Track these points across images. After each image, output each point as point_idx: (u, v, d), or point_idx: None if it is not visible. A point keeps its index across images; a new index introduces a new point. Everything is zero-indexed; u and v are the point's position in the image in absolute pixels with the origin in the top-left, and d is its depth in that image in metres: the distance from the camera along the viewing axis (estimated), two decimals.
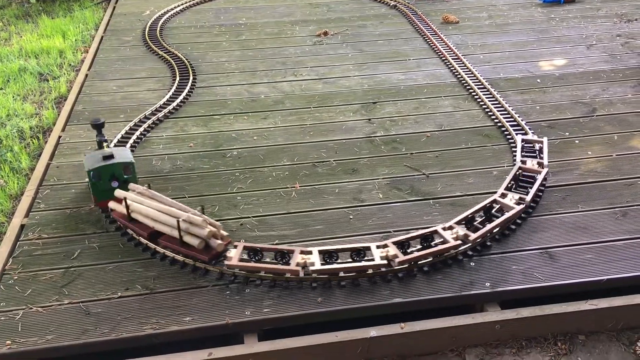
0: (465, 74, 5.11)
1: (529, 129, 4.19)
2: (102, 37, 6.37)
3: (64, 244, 3.29)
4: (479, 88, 4.84)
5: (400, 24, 6.49)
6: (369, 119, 4.53)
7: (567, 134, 4.22)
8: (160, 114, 4.60)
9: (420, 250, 3.06)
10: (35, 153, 4.44)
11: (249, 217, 3.48)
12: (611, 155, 3.96)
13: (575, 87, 4.92)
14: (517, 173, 3.60)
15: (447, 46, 5.71)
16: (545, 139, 3.93)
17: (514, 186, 3.54)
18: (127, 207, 3.22)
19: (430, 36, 5.99)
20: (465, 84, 4.99)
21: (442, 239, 3.10)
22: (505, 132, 4.22)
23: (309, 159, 4.04)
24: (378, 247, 3.01)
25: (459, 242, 3.08)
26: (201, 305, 2.86)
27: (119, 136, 4.27)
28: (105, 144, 3.55)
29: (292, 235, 3.33)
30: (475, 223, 3.23)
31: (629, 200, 3.52)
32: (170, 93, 4.94)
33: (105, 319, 2.80)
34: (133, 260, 3.16)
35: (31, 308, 2.86)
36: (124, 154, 3.55)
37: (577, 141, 4.14)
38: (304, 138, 4.30)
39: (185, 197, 3.67)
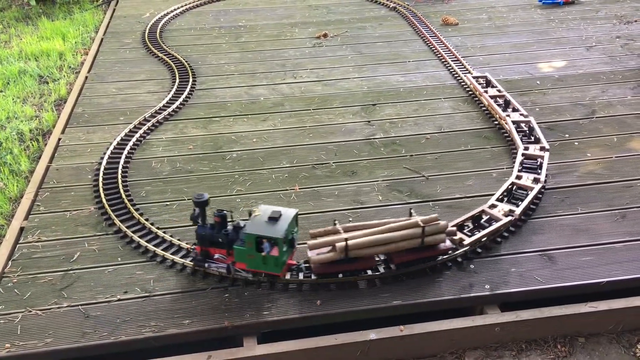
0: (465, 76, 5.10)
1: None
2: (102, 39, 6.37)
3: (63, 247, 3.29)
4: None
5: (399, 25, 6.49)
6: (369, 121, 4.53)
7: (567, 135, 4.22)
8: (159, 116, 4.60)
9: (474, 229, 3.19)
10: (34, 155, 4.44)
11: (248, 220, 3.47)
12: (610, 157, 3.96)
13: (574, 88, 4.92)
14: (510, 187, 3.53)
15: (447, 48, 5.71)
16: (546, 155, 3.76)
17: (506, 199, 3.48)
18: (347, 248, 2.84)
19: (430, 38, 5.99)
20: (464, 86, 4.99)
21: (489, 217, 3.24)
22: (508, 139, 4.20)
23: (308, 161, 4.04)
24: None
25: (509, 218, 3.18)
26: (200, 308, 2.86)
27: (118, 138, 4.27)
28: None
29: None
30: (464, 231, 3.23)
31: (628, 202, 3.51)
32: (169, 95, 4.94)
33: (105, 322, 2.80)
34: (132, 263, 3.16)
35: (30, 311, 2.86)
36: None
37: (576, 143, 4.14)
38: (303, 140, 4.30)
39: (185, 199, 3.66)
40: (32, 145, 4.58)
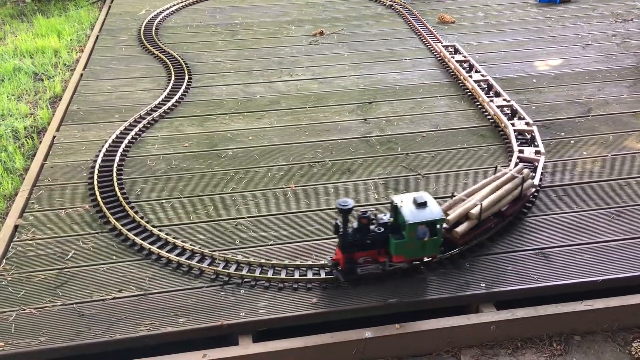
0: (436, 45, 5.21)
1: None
2: (97, 36, 6.34)
3: (57, 245, 3.27)
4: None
5: (396, 23, 6.48)
6: (365, 119, 4.52)
7: (563, 134, 4.22)
8: (155, 114, 4.58)
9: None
10: (29, 153, 4.42)
11: (244, 218, 3.47)
12: (606, 156, 3.96)
13: (570, 87, 4.92)
14: (517, 162, 3.75)
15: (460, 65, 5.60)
16: (535, 127, 4.06)
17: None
18: (481, 211, 3.05)
19: (426, 36, 5.98)
20: (460, 84, 4.98)
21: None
22: (505, 138, 4.22)
23: (304, 159, 4.03)
24: None
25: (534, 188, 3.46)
26: (196, 307, 2.85)
27: (113, 136, 4.25)
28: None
29: (287, 236, 3.31)
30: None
31: (624, 201, 3.52)
32: (165, 93, 4.92)
33: (99, 320, 2.78)
34: (127, 261, 3.15)
35: (24, 309, 2.85)
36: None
37: (572, 141, 4.14)
38: (299, 138, 4.29)
39: (180, 198, 3.65)
40: (27, 142, 4.56)
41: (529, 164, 3.73)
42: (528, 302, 2.88)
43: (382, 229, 2.82)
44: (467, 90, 4.80)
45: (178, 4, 7.19)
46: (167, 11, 6.96)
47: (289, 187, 3.74)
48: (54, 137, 4.39)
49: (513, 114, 4.28)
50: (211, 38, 6.21)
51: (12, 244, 3.30)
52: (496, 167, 3.44)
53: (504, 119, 4.21)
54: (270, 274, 3.00)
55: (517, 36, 6.03)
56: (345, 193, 3.66)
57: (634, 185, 3.66)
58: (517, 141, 3.98)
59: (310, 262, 3.07)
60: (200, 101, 4.87)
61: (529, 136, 4.04)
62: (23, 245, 3.28)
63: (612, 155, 3.97)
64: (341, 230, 2.79)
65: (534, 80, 5.05)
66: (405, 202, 2.79)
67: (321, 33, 6.23)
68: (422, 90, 4.95)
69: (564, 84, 4.97)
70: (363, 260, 2.86)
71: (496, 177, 3.34)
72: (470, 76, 4.86)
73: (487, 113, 4.47)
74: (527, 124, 4.15)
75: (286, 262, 3.08)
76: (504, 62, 5.44)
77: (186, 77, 5.20)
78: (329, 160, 4.01)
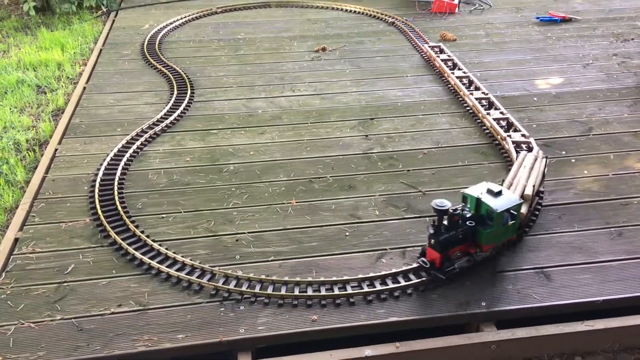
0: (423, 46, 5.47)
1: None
2: (100, 50, 6.38)
3: (57, 259, 3.27)
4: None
5: (398, 40, 6.52)
6: (366, 135, 4.53)
7: (564, 152, 4.23)
8: (157, 128, 4.60)
9: None
10: (31, 166, 4.42)
11: (244, 233, 3.47)
12: (607, 175, 3.97)
13: (571, 105, 4.94)
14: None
15: (445, 63, 5.73)
16: (509, 115, 4.52)
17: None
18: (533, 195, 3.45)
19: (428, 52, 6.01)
20: (462, 101, 5.00)
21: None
22: (505, 155, 4.23)
23: (305, 175, 4.04)
24: None
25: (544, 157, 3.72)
26: (195, 322, 2.84)
27: (115, 150, 4.26)
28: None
29: (287, 252, 3.31)
30: None
31: (625, 221, 3.52)
32: (167, 107, 4.94)
33: (98, 335, 2.77)
34: (127, 276, 3.14)
35: (23, 323, 2.84)
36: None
37: (573, 160, 4.15)
38: (301, 154, 4.30)
39: (181, 212, 3.65)
40: (29, 155, 4.57)
41: (525, 145, 4.10)
42: (529, 322, 2.87)
43: (473, 223, 3.00)
44: (467, 107, 4.84)
45: (182, 19, 7.24)
46: (171, 26, 7.00)
47: (290, 203, 3.74)
48: (56, 150, 4.40)
49: (490, 105, 4.74)
50: (214, 53, 6.24)
51: (12, 257, 3.29)
52: (519, 153, 3.86)
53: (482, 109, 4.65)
54: (270, 290, 3.00)
55: (518, 54, 6.06)
56: (346, 209, 3.66)
57: (635, 204, 3.66)
58: (501, 128, 4.39)
59: (310, 279, 3.07)
60: (202, 116, 4.89)
61: (504, 123, 4.49)
62: (23, 258, 3.28)
63: (612, 174, 3.98)
64: (437, 230, 2.92)
65: (535, 99, 5.07)
66: (483, 193, 3.03)
67: (323, 49, 6.26)
68: (424, 107, 4.96)
69: (565, 103, 4.99)
70: (455, 255, 3.03)
71: (523, 161, 3.71)
72: (453, 72, 5.31)
73: (480, 122, 4.57)
74: (501, 113, 4.60)
75: (286, 278, 3.08)
76: (505, 80, 5.46)
77: (188, 92, 5.23)
78: (330, 176, 4.02)
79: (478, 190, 3.04)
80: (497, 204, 2.95)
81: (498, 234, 3.05)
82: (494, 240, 3.07)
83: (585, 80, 5.42)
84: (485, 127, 4.55)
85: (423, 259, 3.04)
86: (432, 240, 2.94)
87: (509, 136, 4.21)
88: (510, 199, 3.01)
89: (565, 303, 2.94)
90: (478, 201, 3.00)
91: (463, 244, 3.02)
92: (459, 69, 5.43)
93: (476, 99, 4.82)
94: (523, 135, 4.22)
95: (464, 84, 5.11)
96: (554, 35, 6.58)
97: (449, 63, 5.58)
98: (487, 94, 4.87)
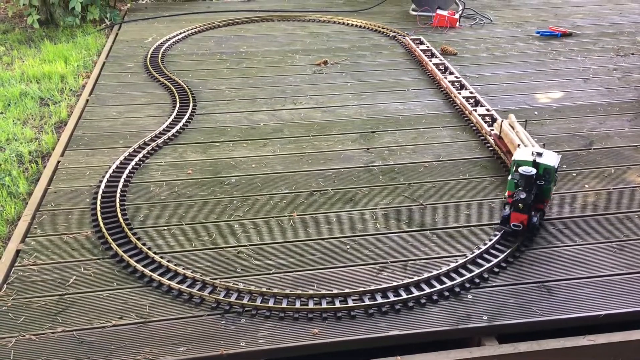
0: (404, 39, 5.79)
1: None
2: (103, 63, 6.42)
3: (58, 271, 3.27)
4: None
5: (399, 54, 6.56)
6: (368, 149, 4.55)
7: (565, 166, 4.24)
8: (159, 140, 4.61)
9: None
10: (33, 178, 4.44)
11: (245, 246, 3.47)
12: (608, 189, 3.97)
13: (572, 120, 4.96)
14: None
15: (424, 53, 6.24)
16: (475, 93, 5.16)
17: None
18: (500, 129, 4.26)
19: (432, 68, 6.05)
20: (462, 115, 5.03)
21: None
22: (504, 168, 4.24)
23: (307, 188, 4.05)
24: None
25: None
26: (196, 335, 2.84)
27: (117, 162, 4.28)
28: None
29: (288, 265, 3.31)
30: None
31: (626, 235, 3.52)
32: (170, 119, 4.97)
33: (99, 348, 2.77)
34: (128, 288, 3.14)
35: (24, 335, 2.84)
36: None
37: (574, 174, 4.16)
38: (302, 166, 4.32)
39: (182, 224, 3.66)
40: (31, 167, 4.58)
41: (490, 115, 4.77)
42: (530, 336, 2.86)
43: (542, 182, 3.37)
44: (470, 123, 4.85)
45: (184, 32, 7.29)
46: (174, 39, 7.05)
47: (291, 216, 3.75)
48: (58, 162, 4.41)
49: (477, 103, 5.14)
50: (216, 66, 6.28)
51: (13, 268, 3.29)
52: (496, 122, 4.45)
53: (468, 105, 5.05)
54: (271, 303, 2.99)
55: (518, 69, 6.10)
56: (347, 222, 3.67)
57: (636, 219, 3.67)
58: (470, 106, 4.97)
59: (311, 292, 3.06)
60: (204, 128, 4.91)
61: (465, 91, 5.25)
62: (24, 270, 3.28)
63: (613, 188, 3.98)
64: (528, 194, 3.31)
65: (536, 113, 5.09)
66: (534, 155, 3.43)
67: (325, 62, 6.30)
68: (425, 121, 4.98)
69: (566, 117, 5.01)
70: (533, 213, 3.43)
71: (509, 128, 4.21)
72: (430, 59, 6.06)
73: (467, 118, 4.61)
74: (470, 92, 5.28)
75: (287, 291, 3.07)
76: (506, 94, 5.49)
77: (191, 104, 5.25)
78: (332, 189, 4.03)
79: (526, 154, 3.45)
80: (551, 162, 3.39)
81: (552, 188, 3.48)
82: (550, 195, 3.51)
83: (586, 94, 5.45)
84: (456, 105, 5.17)
85: (514, 223, 3.39)
86: (521, 205, 3.32)
87: (475, 110, 4.88)
88: (555, 156, 3.46)
89: (567, 317, 2.94)
90: (534, 163, 3.37)
91: (535, 203, 3.43)
92: (436, 57, 6.12)
93: (449, 81, 5.45)
94: (487, 110, 4.87)
95: (440, 70, 5.75)
96: (554, 50, 6.61)
97: (427, 53, 6.26)
98: (458, 77, 5.51)
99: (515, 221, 3.39)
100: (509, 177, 3.48)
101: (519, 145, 3.84)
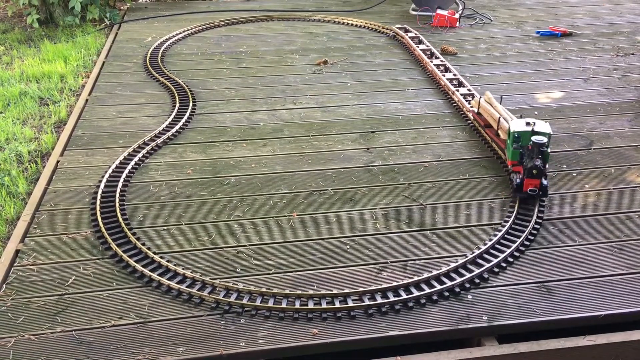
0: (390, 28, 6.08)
1: None
2: (103, 62, 6.41)
3: (58, 271, 3.27)
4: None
5: (399, 54, 6.56)
6: (367, 148, 4.54)
7: (565, 166, 4.24)
8: (159, 140, 4.61)
9: None
10: (33, 177, 4.43)
11: (245, 246, 3.47)
12: (608, 189, 3.97)
13: (572, 119, 4.96)
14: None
15: (412, 40, 6.57)
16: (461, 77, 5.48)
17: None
18: (479, 105, 4.58)
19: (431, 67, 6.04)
20: (462, 115, 5.02)
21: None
22: (505, 168, 4.24)
23: (307, 188, 4.04)
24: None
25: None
26: (195, 335, 2.84)
27: (117, 162, 4.27)
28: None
29: (288, 265, 3.31)
30: None
31: (626, 235, 3.51)
32: (169, 119, 4.96)
33: (98, 348, 2.76)
34: (128, 288, 3.14)
35: (23, 336, 2.83)
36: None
37: (574, 174, 4.16)
38: (302, 166, 4.31)
39: (182, 224, 3.65)
40: (31, 167, 4.58)
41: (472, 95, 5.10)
42: (531, 336, 2.86)
43: (546, 147, 3.60)
44: (469, 121, 4.85)
45: (184, 32, 7.28)
46: (174, 39, 7.05)
47: (291, 216, 3.74)
48: (58, 161, 4.41)
49: (459, 84, 5.52)
50: (216, 66, 6.28)
51: (12, 268, 3.29)
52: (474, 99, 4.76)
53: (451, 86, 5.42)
54: (271, 303, 2.99)
55: (518, 68, 6.09)
56: (347, 222, 3.67)
57: (636, 219, 3.66)
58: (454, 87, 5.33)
59: (311, 292, 3.06)
60: (204, 128, 4.91)
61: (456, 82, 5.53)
62: (24, 270, 3.28)
63: (614, 188, 3.98)
64: (542, 160, 3.57)
65: (536, 113, 5.09)
66: (530, 125, 3.69)
67: (325, 62, 6.29)
68: (425, 121, 4.98)
69: (566, 117, 5.01)
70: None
71: (487, 104, 4.50)
72: (418, 46, 6.44)
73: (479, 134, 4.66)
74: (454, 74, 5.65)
75: (287, 291, 3.07)
76: (506, 93, 5.47)
77: (190, 104, 5.25)
78: (332, 189, 4.02)
79: (522, 126, 3.71)
80: (547, 129, 3.67)
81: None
82: (549, 159, 3.74)
83: (586, 94, 5.44)
84: (441, 87, 5.55)
85: (531, 188, 3.60)
86: (535, 171, 3.54)
87: (457, 90, 5.24)
88: (546, 123, 3.74)
89: (567, 317, 2.94)
90: (533, 132, 3.63)
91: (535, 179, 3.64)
92: (423, 43, 6.53)
93: (435, 65, 5.79)
94: (468, 90, 5.24)
95: (426, 55, 6.17)
96: (554, 50, 6.61)
97: (415, 40, 6.64)
98: (441, 60, 5.96)
99: (531, 187, 3.59)
100: (511, 148, 3.74)
101: (499, 118, 4.15)
